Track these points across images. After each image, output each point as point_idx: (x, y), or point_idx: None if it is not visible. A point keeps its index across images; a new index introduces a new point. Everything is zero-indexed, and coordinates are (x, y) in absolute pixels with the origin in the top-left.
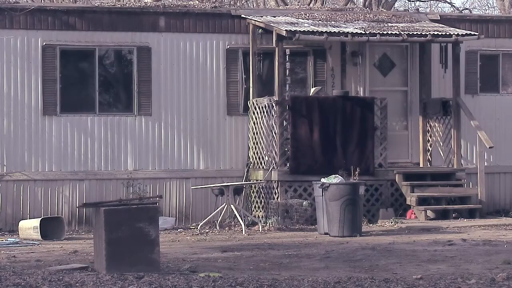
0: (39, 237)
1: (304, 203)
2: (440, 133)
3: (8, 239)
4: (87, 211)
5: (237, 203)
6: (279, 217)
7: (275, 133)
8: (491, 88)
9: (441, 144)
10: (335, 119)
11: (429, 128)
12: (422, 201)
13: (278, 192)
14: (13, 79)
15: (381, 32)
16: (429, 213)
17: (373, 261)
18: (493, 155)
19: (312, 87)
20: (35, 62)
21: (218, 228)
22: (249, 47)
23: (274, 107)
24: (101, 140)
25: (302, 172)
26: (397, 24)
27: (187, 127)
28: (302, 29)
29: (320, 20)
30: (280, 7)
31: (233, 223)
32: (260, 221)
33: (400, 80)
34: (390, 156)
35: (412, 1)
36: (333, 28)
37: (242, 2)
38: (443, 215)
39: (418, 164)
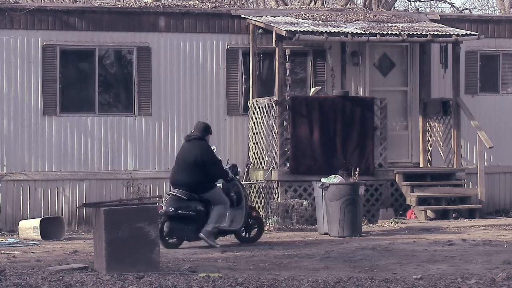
0: (39, 237)
1: (304, 203)
2: (440, 133)
3: (8, 239)
4: (87, 211)
5: None
6: (279, 217)
7: (275, 133)
8: (491, 88)
9: (441, 144)
10: (335, 119)
11: (429, 128)
12: (422, 201)
13: (278, 192)
14: (13, 79)
15: (381, 32)
16: (429, 213)
17: (373, 261)
18: (493, 155)
19: (312, 87)
20: (35, 62)
21: None
22: (249, 47)
23: (274, 107)
24: (101, 140)
25: (302, 172)
26: (397, 24)
27: (187, 127)
28: (302, 29)
29: (320, 20)
30: (280, 7)
31: None
32: None
33: (400, 80)
34: (390, 156)
35: (412, 1)
36: (333, 28)
37: (242, 2)
38: (443, 215)
39: (418, 164)
